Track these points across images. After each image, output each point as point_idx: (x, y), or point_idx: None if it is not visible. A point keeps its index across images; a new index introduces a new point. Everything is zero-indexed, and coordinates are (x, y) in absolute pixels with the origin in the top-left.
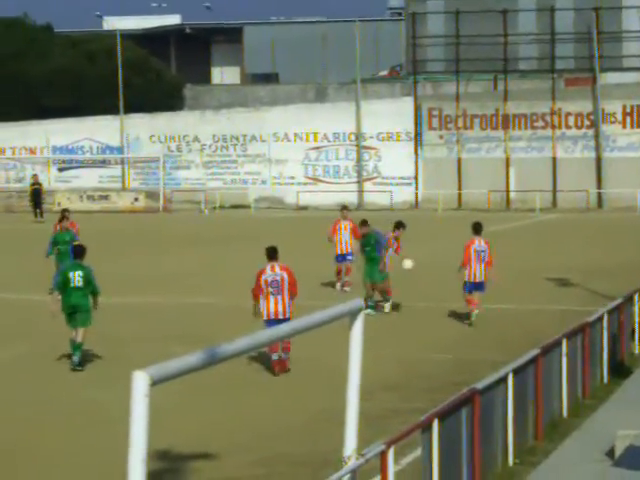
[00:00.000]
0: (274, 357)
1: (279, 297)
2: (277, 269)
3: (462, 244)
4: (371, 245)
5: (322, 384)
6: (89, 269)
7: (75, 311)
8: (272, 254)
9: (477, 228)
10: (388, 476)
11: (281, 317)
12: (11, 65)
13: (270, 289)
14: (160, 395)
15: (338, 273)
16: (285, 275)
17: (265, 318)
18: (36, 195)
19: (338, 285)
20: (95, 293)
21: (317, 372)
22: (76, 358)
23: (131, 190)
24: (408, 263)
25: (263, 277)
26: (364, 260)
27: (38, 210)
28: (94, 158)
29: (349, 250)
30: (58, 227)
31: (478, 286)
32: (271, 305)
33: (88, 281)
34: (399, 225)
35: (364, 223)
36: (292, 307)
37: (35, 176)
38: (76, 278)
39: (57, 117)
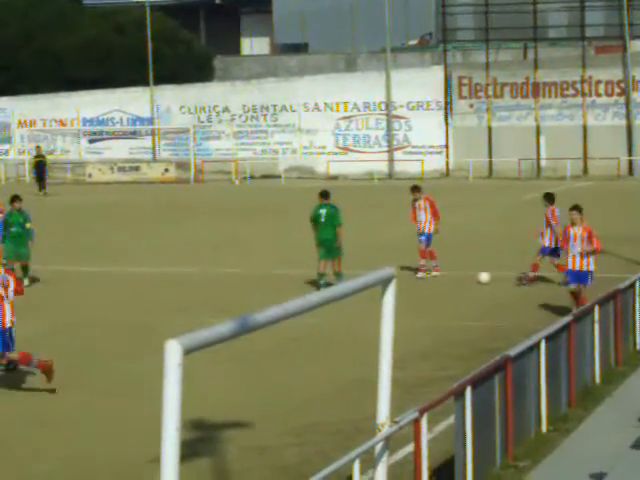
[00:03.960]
0: None
1: None
2: None
3: (493, 212)
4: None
5: (354, 353)
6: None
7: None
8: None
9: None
10: (421, 443)
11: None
12: (41, 38)
13: None
14: (192, 365)
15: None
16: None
17: None
18: (40, 168)
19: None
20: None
21: (349, 341)
22: None
23: (162, 161)
24: (484, 276)
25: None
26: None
27: (42, 183)
28: (124, 129)
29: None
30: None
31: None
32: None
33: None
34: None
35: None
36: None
37: (39, 148)
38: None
39: (87, 89)
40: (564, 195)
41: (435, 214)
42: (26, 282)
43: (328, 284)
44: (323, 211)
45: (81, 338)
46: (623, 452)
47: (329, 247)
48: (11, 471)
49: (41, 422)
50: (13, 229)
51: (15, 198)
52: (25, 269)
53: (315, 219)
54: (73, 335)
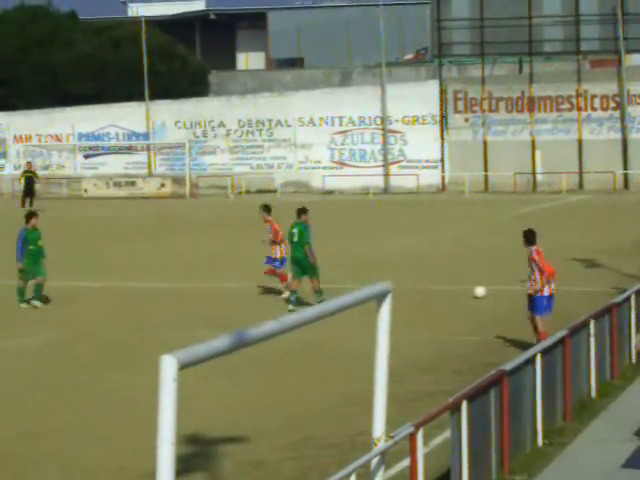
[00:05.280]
0: None
1: None
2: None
3: (489, 226)
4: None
5: (350, 367)
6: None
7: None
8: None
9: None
10: (417, 458)
11: None
12: (36, 53)
13: None
14: (188, 379)
15: None
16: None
17: None
18: (28, 183)
19: None
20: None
21: (345, 355)
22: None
23: (157, 176)
24: (480, 291)
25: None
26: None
27: (28, 199)
28: (120, 144)
29: None
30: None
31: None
32: None
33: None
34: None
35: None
36: None
37: (29, 163)
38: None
39: (82, 104)
40: (560, 209)
41: (277, 237)
42: (38, 303)
43: (299, 301)
44: (295, 230)
45: (77, 352)
46: (617, 467)
47: (302, 266)
48: None
49: (36, 434)
50: (31, 247)
51: (32, 215)
52: (40, 287)
53: (289, 237)
54: (69, 350)
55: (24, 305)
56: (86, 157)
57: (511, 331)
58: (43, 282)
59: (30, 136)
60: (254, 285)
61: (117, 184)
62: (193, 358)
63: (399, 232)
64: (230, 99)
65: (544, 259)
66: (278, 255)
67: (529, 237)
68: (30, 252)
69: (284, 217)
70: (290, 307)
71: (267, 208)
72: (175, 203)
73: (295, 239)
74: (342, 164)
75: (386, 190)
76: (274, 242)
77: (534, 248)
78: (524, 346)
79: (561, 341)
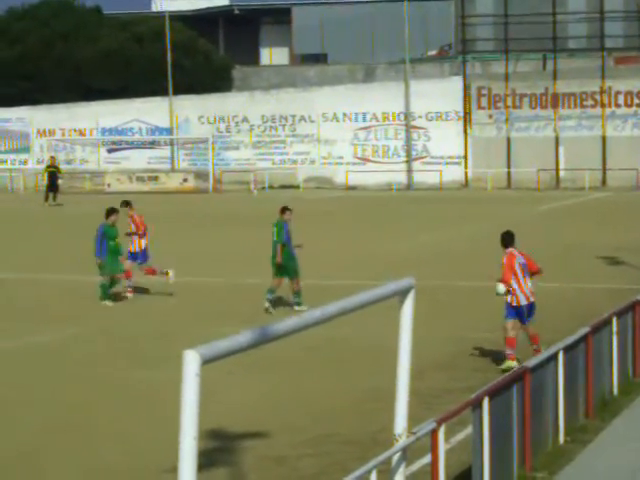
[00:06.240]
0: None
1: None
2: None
3: (512, 223)
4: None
5: (375, 362)
6: None
7: None
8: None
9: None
10: (439, 454)
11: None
12: (60, 48)
13: None
14: (211, 374)
15: None
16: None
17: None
18: (52, 178)
19: None
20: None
21: (371, 351)
22: None
23: (180, 171)
24: (502, 287)
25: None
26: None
27: (52, 194)
28: (143, 139)
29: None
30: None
31: (531, 309)
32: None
33: None
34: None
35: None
36: None
37: (53, 158)
38: None
39: (106, 99)
40: (583, 206)
41: (138, 229)
42: (110, 303)
43: (274, 300)
44: (274, 229)
45: (101, 347)
46: None
47: (279, 265)
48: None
49: (57, 430)
50: (110, 243)
51: (112, 211)
52: (115, 282)
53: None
54: (93, 344)
55: (109, 302)
56: (109, 152)
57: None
58: (119, 279)
59: (53, 130)
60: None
61: (140, 179)
62: (216, 353)
63: (421, 228)
64: (253, 94)
65: (529, 259)
66: (137, 249)
67: (507, 240)
68: (109, 248)
69: (306, 212)
70: (265, 305)
71: (127, 203)
72: (198, 198)
73: (274, 238)
74: (365, 160)
75: (409, 186)
76: (136, 234)
77: (508, 251)
78: (546, 343)
79: (583, 338)
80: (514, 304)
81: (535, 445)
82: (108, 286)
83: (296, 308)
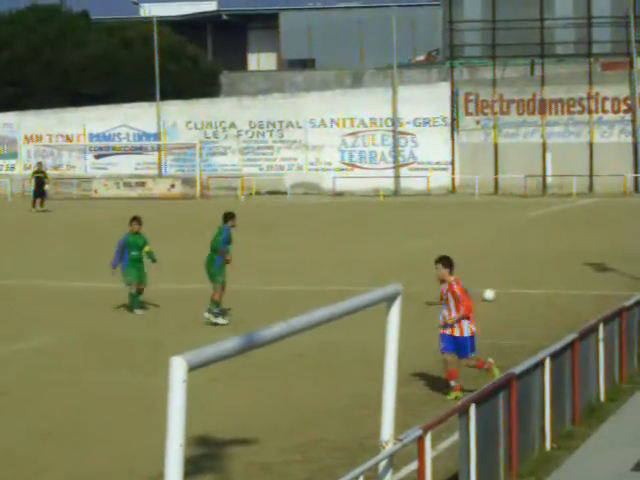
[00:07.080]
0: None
1: None
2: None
3: (499, 229)
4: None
5: (358, 370)
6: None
7: None
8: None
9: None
10: (425, 461)
11: None
12: (48, 53)
13: None
14: (198, 380)
15: None
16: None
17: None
18: (39, 185)
19: None
20: None
21: (360, 357)
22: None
23: (167, 177)
24: (489, 294)
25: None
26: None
27: (39, 200)
28: (130, 145)
29: None
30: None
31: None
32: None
33: None
34: None
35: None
36: None
37: (40, 164)
38: None
39: (93, 104)
40: (570, 212)
41: None
42: (140, 312)
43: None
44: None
45: (90, 353)
46: (627, 471)
47: (208, 271)
48: None
49: (45, 435)
50: (134, 252)
51: (134, 220)
52: (141, 292)
53: None
54: (82, 350)
55: (139, 311)
56: (97, 157)
57: (521, 334)
58: (142, 289)
59: (41, 136)
60: (267, 287)
61: (127, 184)
62: (203, 360)
63: (409, 234)
64: (241, 100)
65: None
66: None
67: (452, 265)
68: (131, 257)
69: (296, 218)
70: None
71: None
72: (185, 204)
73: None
74: (353, 166)
75: (396, 192)
76: None
77: (453, 278)
78: (533, 349)
79: (570, 345)
80: (457, 334)
81: (522, 451)
82: (135, 295)
83: (205, 315)
